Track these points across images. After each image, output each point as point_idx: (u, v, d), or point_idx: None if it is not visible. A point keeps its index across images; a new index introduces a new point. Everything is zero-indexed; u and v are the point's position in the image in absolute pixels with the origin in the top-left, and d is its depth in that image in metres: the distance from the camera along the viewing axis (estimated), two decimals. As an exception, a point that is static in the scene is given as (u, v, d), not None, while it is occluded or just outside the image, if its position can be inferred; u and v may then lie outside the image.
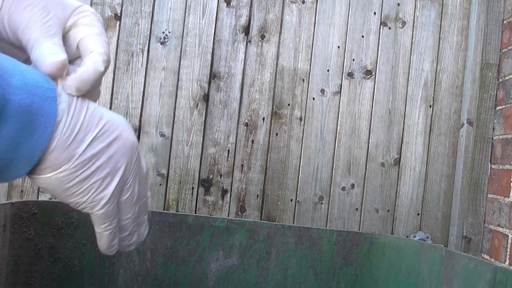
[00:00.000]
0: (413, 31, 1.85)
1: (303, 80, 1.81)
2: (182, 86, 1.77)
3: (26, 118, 0.34)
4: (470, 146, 1.78)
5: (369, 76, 1.83)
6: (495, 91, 1.80)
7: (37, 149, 0.36)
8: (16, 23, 0.38)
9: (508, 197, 1.61)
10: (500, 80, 1.79)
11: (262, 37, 1.80)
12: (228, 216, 1.76)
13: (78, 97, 0.39)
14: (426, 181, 1.83)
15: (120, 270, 1.03)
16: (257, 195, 1.78)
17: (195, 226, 1.04)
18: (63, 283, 0.98)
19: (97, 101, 0.46)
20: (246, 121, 1.79)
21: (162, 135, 1.76)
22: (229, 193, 1.77)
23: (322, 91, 1.82)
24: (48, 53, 0.38)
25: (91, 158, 0.39)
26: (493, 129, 1.79)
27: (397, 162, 1.83)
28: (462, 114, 1.83)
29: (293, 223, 1.79)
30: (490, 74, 1.80)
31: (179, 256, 1.05)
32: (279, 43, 1.81)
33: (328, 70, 1.82)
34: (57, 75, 0.38)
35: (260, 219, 1.76)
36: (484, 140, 1.79)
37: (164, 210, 1.74)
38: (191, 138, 1.76)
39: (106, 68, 0.42)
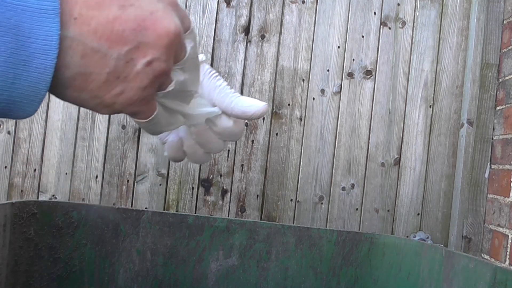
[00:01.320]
0: (413, 31, 1.85)
1: (303, 80, 1.81)
2: (182, 86, 1.77)
3: (16, 42, 0.27)
4: (470, 146, 1.78)
5: (369, 76, 1.83)
6: (495, 91, 1.80)
7: (40, 81, 0.29)
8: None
9: (508, 197, 1.61)
10: (500, 80, 1.79)
11: (262, 37, 1.80)
12: (228, 216, 1.76)
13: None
14: (426, 181, 1.83)
15: (120, 270, 1.03)
16: (257, 195, 1.78)
17: (195, 226, 1.04)
18: (63, 283, 0.98)
19: None
20: (246, 121, 1.78)
21: (162, 135, 1.76)
22: (229, 193, 1.77)
23: (322, 91, 1.82)
24: (249, 102, 0.49)
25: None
26: (493, 129, 1.79)
27: (397, 162, 1.83)
28: (462, 114, 1.83)
29: (293, 223, 1.79)
30: (490, 74, 1.80)
31: (179, 256, 1.05)
32: (279, 43, 1.81)
33: (328, 70, 1.82)
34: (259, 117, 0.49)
35: (260, 219, 1.76)
36: (484, 140, 1.79)
37: (164, 210, 1.74)
38: (191, 138, 1.76)
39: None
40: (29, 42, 0.28)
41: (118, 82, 0.32)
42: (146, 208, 1.73)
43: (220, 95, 0.49)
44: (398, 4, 1.85)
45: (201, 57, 0.51)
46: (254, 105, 0.49)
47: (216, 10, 1.79)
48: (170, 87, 0.37)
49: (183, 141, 0.52)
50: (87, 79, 0.31)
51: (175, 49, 0.35)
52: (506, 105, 1.72)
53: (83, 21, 0.30)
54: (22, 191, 1.71)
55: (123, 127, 1.74)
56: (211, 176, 1.77)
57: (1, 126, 1.71)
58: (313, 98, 1.81)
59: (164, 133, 0.52)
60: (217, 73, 0.50)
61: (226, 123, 0.50)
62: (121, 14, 0.31)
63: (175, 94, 0.40)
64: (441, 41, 1.86)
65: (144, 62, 0.33)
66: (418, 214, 1.83)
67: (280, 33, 1.81)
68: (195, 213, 1.74)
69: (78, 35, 0.30)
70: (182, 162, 1.77)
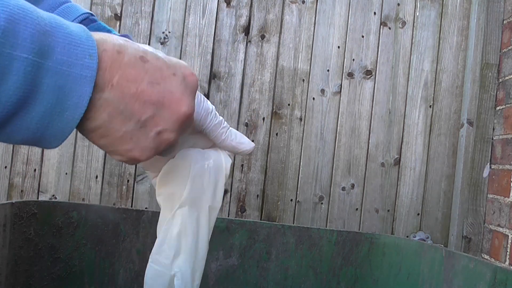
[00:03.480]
0: (413, 31, 1.85)
1: (303, 80, 1.81)
2: (182, 86, 1.77)
3: (56, 100, 0.34)
4: (470, 146, 1.78)
5: (369, 76, 1.83)
6: (495, 91, 1.80)
7: (67, 127, 0.36)
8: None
9: (508, 197, 1.61)
10: (500, 80, 1.79)
11: (262, 37, 1.80)
12: (228, 216, 1.75)
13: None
14: (426, 181, 1.83)
15: (120, 270, 1.03)
16: (257, 195, 1.78)
17: (195, 226, 1.04)
18: (63, 283, 0.98)
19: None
20: (246, 121, 1.79)
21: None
22: (229, 193, 1.77)
23: (322, 91, 1.82)
24: (240, 138, 0.57)
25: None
26: (493, 129, 1.79)
27: (397, 162, 1.83)
28: (462, 114, 1.83)
29: (293, 223, 1.79)
30: (490, 74, 1.80)
31: (179, 256, 1.04)
32: (279, 43, 1.81)
33: (328, 70, 1.82)
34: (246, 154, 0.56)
35: (260, 219, 1.76)
36: (484, 140, 1.79)
37: (164, 210, 1.74)
38: (191, 138, 1.76)
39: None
40: (66, 99, 0.35)
41: (131, 141, 0.40)
42: (146, 208, 1.73)
43: (212, 124, 0.54)
44: (398, 4, 1.85)
45: None
46: (245, 143, 0.58)
47: (216, 10, 1.79)
48: (173, 154, 0.48)
49: None
50: (107, 131, 0.39)
51: (184, 126, 0.43)
52: (506, 105, 1.72)
53: (118, 88, 0.37)
54: (22, 191, 1.71)
55: (123, 127, 1.74)
56: (211, 176, 1.77)
57: (1, 126, 1.71)
58: (313, 98, 1.81)
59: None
60: (207, 100, 0.54)
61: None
62: (148, 89, 0.39)
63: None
64: (441, 41, 1.86)
65: (155, 131, 0.40)
66: (418, 214, 1.83)
67: (280, 33, 1.81)
68: (195, 213, 1.74)
69: (111, 98, 0.37)
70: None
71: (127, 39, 0.40)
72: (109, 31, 0.59)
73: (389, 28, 1.85)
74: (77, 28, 0.36)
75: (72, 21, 0.59)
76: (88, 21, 0.61)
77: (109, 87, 0.37)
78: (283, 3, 1.82)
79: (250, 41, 1.80)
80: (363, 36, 1.84)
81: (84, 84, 0.35)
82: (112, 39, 0.38)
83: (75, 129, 0.38)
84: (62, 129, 0.36)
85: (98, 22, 0.63)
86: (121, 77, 0.37)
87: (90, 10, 1.74)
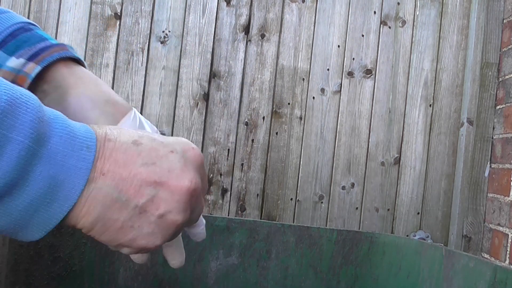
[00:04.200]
0: (413, 30, 1.85)
1: (303, 79, 1.81)
2: (182, 85, 1.77)
3: (46, 189, 0.33)
4: (470, 145, 1.78)
5: (369, 75, 1.83)
6: (495, 90, 1.80)
7: (53, 218, 0.34)
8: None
9: (508, 196, 1.61)
10: (500, 79, 1.79)
11: (262, 36, 1.80)
12: (228, 215, 1.76)
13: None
14: (426, 180, 1.83)
15: (120, 269, 1.03)
16: (257, 194, 1.78)
17: (195, 225, 1.04)
18: (63, 282, 0.98)
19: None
20: (246, 120, 1.79)
21: (162, 134, 1.76)
22: (229, 192, 1.77)
23: (322, 90, 1.82)
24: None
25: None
26: (493, 128, 1.79)
27: (397, 161, 1.83)
28: (462, 113, 1.83)
29: (293, 222, 1.79)
30: (490, 73, 1.80)
31: (179, 255, 1.05)
32: (279, 42, 1.81)
33: (328, 69, 1.82)
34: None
35: (260, 218, 1.77)
36: (484, 139, 1.79)
37: (164, 209, 1.74)
38: (191, 137, 1.76)
39: None
40: (57, 190, 0.33)
41: (133, 230, 0.37)
42: (146, 207, 1.73)
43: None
44: (398, 3, 1.85)
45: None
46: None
47: (216, 9, 1.79)
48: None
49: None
50: (106, 224, 0.37)
51: (190, 204, 0.39)
52: (506, 104, 1.72)
53: (109, 176, 0.36)
54: (22, 190, 1.71)
55: (123, 126, 1.74)
56: (211, 175, 1.77)
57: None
58: (313, 97, 1.81)
59: None
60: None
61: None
62: (142, 171, 0.37)
63: None
64: (441, 40, 1.86)
65: (156, 214, 0.37)
66: (418, 213, 1.83)
67: (280, 32, 1.81)
68: (195, 212, 1.74)
69: (103, 186, 0.35)
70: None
71: (120, 128, 0.39)
72: (45, 39, 0.54)
73: (389, 27, 1.85)
74: (77, 123, 0.36)
75: (3, 31, 0.53)
76: (22, 30, 0.55)
77: (100, 176, 0.35)
78: (283, 2, 1.81)
79: (250, 40, 1.80)
80: (363, 35, 1.84)
81: (78, 176, 0.34)
82: (104, 129, 0.37)
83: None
84: (46, 220, 0.34)
85: (34, 31, 0.57)
86: (112, 164, 0.36)
87: (90, 9, 1.74)
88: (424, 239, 1.79)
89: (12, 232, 0.34)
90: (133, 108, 0.60)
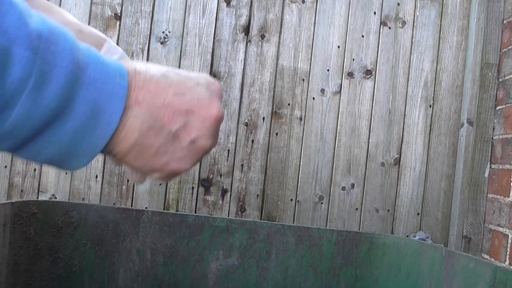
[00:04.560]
0: (413, 31, 1.85)
1: (303, 80, 1.81)
2: (182, 86, 1.77)
3: (90, 113, 0.35)
4: (470, 146, 1.78)
5: (369, 76, 1.83)
6: (495, 91, 1.80)
7: (98, 143, 0.37)
8: None
9: (508, 196, 1.61)
10: (500, 79, 1.79)
11: (262, 37, 1.80)
12: (228, 216, 1.76)
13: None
14: (426, 181, 1.83)
15: (120, 270, 1.03)
16: (257, 194, 1.78)
17: (195, 226, 1.04)
18: (63, 283, 0.98)
19: None
20: (246, 120, 1.79)
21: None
22: (229, 193, 1.77)
23: (322, 91, 1.82)
24: None
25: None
26: (493, 128, 1.79)
27: (397, 162, 1.83)
28: (462, 113, 1.83)
29: (293, 223, 1.79)
30: (490, 74, 1.80)
31: (179, 256, 1.05)
32: (279, 43, 1.81)
33: (328, 70, 1.82)
34: None
35: (260, 219, 1.76)
36: (484, 140, 1.79)
37: (164, 209, 1.74)
38: (191, 138, 1.76)
39: None
40: (99, 114, 0.36)
41: (166, 154, 0.40)
42: (146, 208, 1.73)
43: None
44: (398, 4, 1.85)
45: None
46: None
47: (216, 9, 1.79)
48: None
49: None
50: (142, 149, 0.39)
51: (217, 130, 0.43)
52: (506, 105, 1.72)
53: (144, 104, 0.38)
54: (22, 190, 1.71)
55: (123, 126, 1.74)
56: (211, 175, 1.77)
57: (1, 126, 1.71)
58: (313, 98, 1.81)
59: None
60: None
61: None
62: (174, 100, 0.40)
63: None
64: (441, 41, 1.86)
65: (188, 140, 0.41)
66: (418, 213, 1.83)
67: (280, 32, 1.81)
68: (195, 213, 1.74)
69: (140, 113, 0.38)
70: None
71: (145, 63, 0.41)
72: None
73: (389, 28, 1.85)
74: (104, 55, 0.38)
75: None
76: None
77: (136, 104, 0.38)
78: (283, 2, 1.82)
79: (250, 41, 1.80)
80: (363, 36, 1.84)
81: (116, 101, 0.36)
82: (132, 62, 0.40)
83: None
84: (92, 146, 0.36)
85: None
86: (145, 94, 0.38)
87: (90, 10, 1.74)
88: (424, 240, 1.79)
89: (60, 161, 0.37)
90: (107, 37, 0.61)
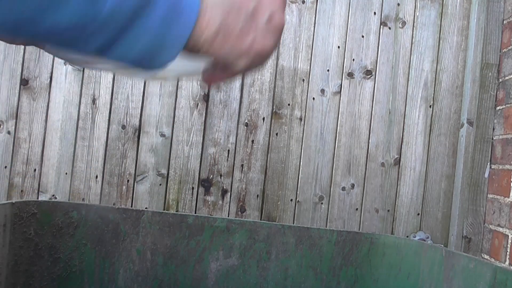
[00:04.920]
0: (413, 31, 1.85)
1: (303, 80, 1.81)
2: (182, 86, 1.77)
3: (173, 0, 0.36)
4: (470, 146, 1.78)
5: (369, 76, 1.83)
6: (495, 91, 1.80)
7: (184, 31, 0.38)
8: None
9: (508, 197, 1.61)
10: (500, 80, 1.79)
11: (262, 37, 1.80)
12: (228, 216, 1.76)
13: None
14: (426, 181, 1.83)
15: (120, 270, 1.03)
16: (257, 195, 1.78)
17: (195, 226, 1.04)
18: (63, 283, 0.98)
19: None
20: (246, 121, 1.79)
21: (162, 135, 1.76)
22: (229, 193, 1.77)
23: (322, 91, 1.82)
24: None
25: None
26: (493, 129, 1.79)
27: (397, 162, 1.83)
28: (462, 114, 1.83)
29: (293, 223, 1.79)
30: (490, 74, 1.80)
31: (179, 256, 1.05)
32: (279, 43, 1.81)
33: (328, 70, 1.82)
34: None
35: (260, 219, 1.76)
36: (484, 140, 1.79)
37: (164, 210, 1.74)
38: (191, 138, 1.77)
39: None
40: (181, 2, 0.37)
41: (250, 33, 0.42)
42: (146, 208, 1.73)
43: None
44: (398, 4, 1.85)
45: None
46: None
47: (216, 10, 1.79)
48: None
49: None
50: (226, 31, 0.41)
51: (285, 7, 0.45)
52: (506, 105, 1.72)
53: None
54: (22, 191, 1.71)
55: (123, 127, 1.74)
56: (211, 176, 1.77)
57: (1, 126, 1.71)
58: (313, 98, 1.81)
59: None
60: None
61: None
62: None
63: None
64: (441, 41, 1.86)
65: (265, 18, 0.43)
66: (418, 214, 1.83)
67: (280, 33, 1.81)
68: (195, 213, 1.74)
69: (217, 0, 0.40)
70: (182, 162, 1.77)
71: None
72: None
73: (389, 28, 1.85)
74: None
75: None
76: None
77: None
78: (283, 3, 1.81)
79: (250, 41, 1.80)
80: (363, 36, 1.84)
81: None
82: None
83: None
84: (180, 33, 0.38)
85: None
86: None
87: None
88: (424, 240, 1.79)
89: (151, 55, 0.38)
90: None
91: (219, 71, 0.47)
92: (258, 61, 0.45)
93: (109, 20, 0.34)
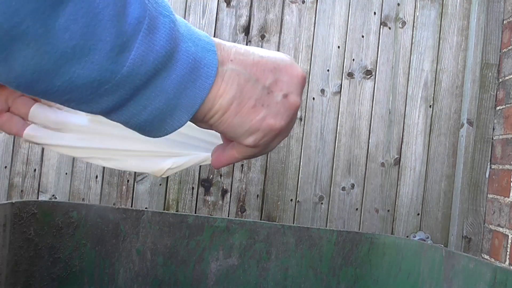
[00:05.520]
0: (413, 31, 1.85)
1: (303, 80, 1.81)
2: (182, 86, 1.77)
3: (191, 64, 0.36)
4: (470, 146, 1.78)
5: (369, 76, 1.83)
6: (495, 91, 1.80)
7: (198, 96, 0.37)
8: None
9: (508, 197, 1.61)
10: (500, 80, 1.79)
11: (262, 37, 1.80)
12: (228, 216, 1.76)
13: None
14: (426, 181, 1.83)
15: (120, 270, 1.03)
16: (257, 195, 1.78)
17: (195, 226, 1.04)
18: (63, 283, 0.98)
19: None
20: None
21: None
22: (229, 193, 1.77)
23: (322, 91, 1.82)
24: None
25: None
26: (493, 129, 1.79)
27: (397, 162, 1.83)
28: (462, 114, 1.83)
29: (293, 223, 1.79)
30: (490, 74, 1.80)
31: (179, 256, 1.05)
32: (279, 43, 1.81)
33: (328, 70, 1.82)
34: None
35: (260, 219, 1.76)
36: (484, 140, 1.79)
37: (164, 210, 1.74)
38: (191, 138, 1.76)
39: None
40: (198, 66, 0.37)
41: (263, 108, 0.41)
42: (146, 208, 1.73)
43: None
44: (398, 4, 1.85)
45: None
46: None
47: (216, 10, 1.79)
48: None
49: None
50: (240, 103, 0.40)
51: (303, 89, 0.44)
52: (506, 105, 1.72)
53: (236, 61, 0.40)
54: (22, 191, 1.71)
55: (123, 127, 1.74)
56: (211, 176, 1.77)
57: (1, 126, 1.71)
58: (313, 98, 1.81)
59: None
60: None
61: None
62: (261, 60, 0.41)
63: None
64: (441, 41, 1.86)
65: (281, 94, 0.42)
66: (418, 214, 1.83)
67: (280, 33, 1.81)
68: (195, 213, 1.74)
69: (235, 68, 0.39)
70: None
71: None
72: None
73: (389, 28, 1.85)
74: None
75: None
76: None
77: (228, 61, 0.39)
78: (283, 3, 1.82)
79: (250, 41, 1.80)
80: (363, 36, 1.84)
81: (210, 54, 0.37)
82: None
83: None
84: (193, 99, 0.37)
85: None
86: (235, 54, 0.40)
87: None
88: (424, 240, 1.79)
89: (162, 118, 0.37)
90: None
91: (228, 150, 0.46)
92: (269, 138, 0.43)
93: (125, 80, 0.33)
